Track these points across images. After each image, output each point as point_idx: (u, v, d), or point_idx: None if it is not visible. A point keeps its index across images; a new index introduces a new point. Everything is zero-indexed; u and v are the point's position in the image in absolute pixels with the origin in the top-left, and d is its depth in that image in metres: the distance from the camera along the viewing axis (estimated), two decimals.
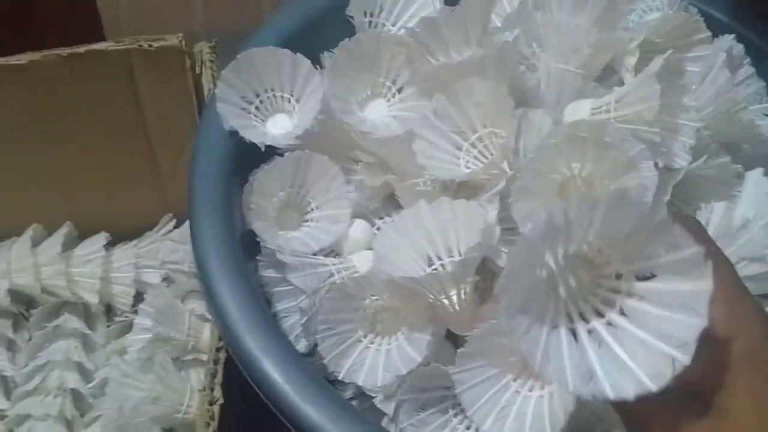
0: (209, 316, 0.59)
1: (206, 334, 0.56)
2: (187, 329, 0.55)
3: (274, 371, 0.34)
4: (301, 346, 0.39)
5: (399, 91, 0.44)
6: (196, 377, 0.55)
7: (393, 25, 0.48)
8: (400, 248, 0.37)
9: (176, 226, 0.61)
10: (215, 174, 0.40)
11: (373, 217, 0.43)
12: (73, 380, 0.55)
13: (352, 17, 0.46)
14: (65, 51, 0.48)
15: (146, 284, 0.59)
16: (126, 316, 0.59)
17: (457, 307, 0.36)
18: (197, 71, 0.49)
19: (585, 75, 0.41)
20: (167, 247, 0.60)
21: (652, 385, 0.25)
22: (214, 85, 0.48)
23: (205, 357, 0.56)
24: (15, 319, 0.59)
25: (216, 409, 0.34)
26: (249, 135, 0.41)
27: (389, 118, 0.44)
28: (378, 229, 0.43)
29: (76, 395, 0.55)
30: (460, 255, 0.37)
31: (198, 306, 0.59)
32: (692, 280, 0.25)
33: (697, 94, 0.41)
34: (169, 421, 0.51)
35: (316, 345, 0.38)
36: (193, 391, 0.53)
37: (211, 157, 0.41)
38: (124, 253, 0.59)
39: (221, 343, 0.36)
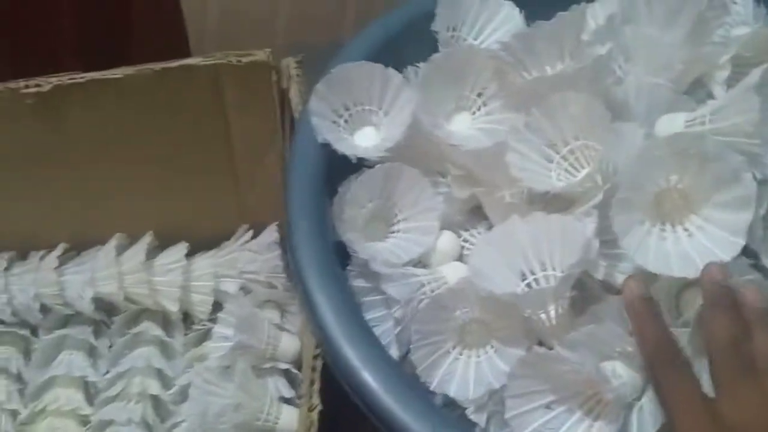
0: (286, 326, 0.60)
1: (284, 342, 0.57)
2: (266, 338, 0.56)
3: (373, 380, 0.34)
4: (393, 352, 0.39)
5: (484, 104, 0.45)
6: (274, 385, 0.56)
7: (475, 39, 0.49)
8: (495, 262, 0.37)
9: (253, 237, 0.62)
10: (309, 186, 0.41)
11: (459, 229, 0.44)
12: (154, 386, 0.56)
13: (436, 32, 0.47)
14: (158, 65, 0.50)
15: (224, 293, 0.60)
16: (204, 325, 0.60)
17: (553, 322, 0.36)
18: (284, 85, 0.51)
19: (676, 89, 0.41)
20: (245, 258, 0.61)
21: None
22: (301, 99, 0.50)
23: (283, 365, 0.57)
24: (96, 326, 0.60)
25: (315, 416, 0.35)
26: (341, 147, 0.42)
27: (475, 131, 0.44)
28: (464, 240, 0.43)
29: (156, 401, 0.56)
30: (554, 269, 0.37)
31: (274, 315, 0.60)
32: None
33: None
34: (250, 428, 0.52)
35: (406, 354, 0.39)
36: (272, 399, 0.54)
37: (305, 170, 0.42)
38: (204, 262, 0.60)
39: (318, 351, 0.37)
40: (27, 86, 0.49)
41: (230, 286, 0.60)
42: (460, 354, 0.39)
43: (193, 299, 0.60)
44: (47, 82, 0.49)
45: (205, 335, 0.60)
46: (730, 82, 0.42)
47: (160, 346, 0.59)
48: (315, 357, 0.37)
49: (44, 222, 0.59)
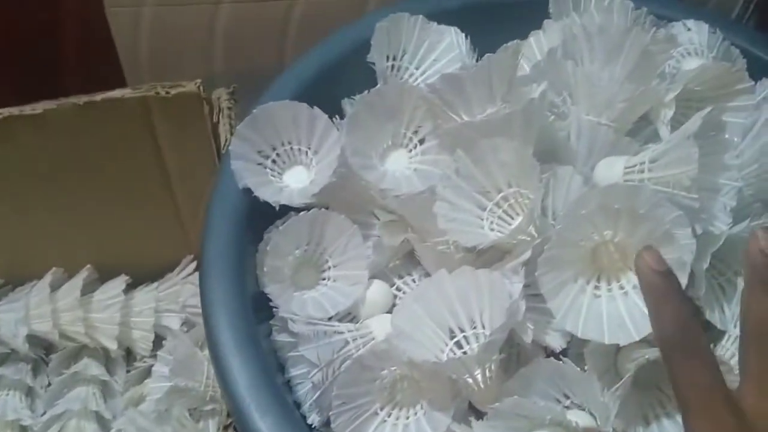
0: None
1: None
2: (206, 379, 0.54)
3: None
4: (314, 419, 0.37)
5: (420, 142, 0.42)
6: (215, 428, 0.54)
7: (416, 69, 0.46)
8: (420, 321, 0.35)
9: (197, 269, 0.60)
10: (228, 234, 0.39)
11: (393, 276, 0.41)
12: (90, 430, 0.54)
13: (372, 63, 0.45)
14: (81, 99, 0.48)
15: (166, 328, 0.58)
16: (145, 362, 0.58)
17: (481, 385, 0.34)
18: (215, 119, 0.48)
19: (618, 128, 0.39)
20: (187, 291, 0.59)
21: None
22: (231, 133, 0.47)
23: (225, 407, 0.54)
24: (35, 364, 0.58)
25: None
26: (263, 194, 0.39)
27: (410, 171, 0.42)
28: (397, 289, 0.41)
29: None
30: (483, 326, 0.35)
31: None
32: None
33: (738, 151, 0.38)
34: None
35: (328, 418, 0.36)
36: None
37: (224, 216, 0.39)
38: (145, 296, 0.58)
39: (230, 421, 0.35)
40: None
41: (172, 321, 0.58)
42: (388, 415, 0.37)
43: (134, 335, 0.57)
44: None
45: (147, 372, 0.58)
46: (678, 118, 0.40)
47: (100, 385, 0.57)
48: (226, 427, 0.34)
49: None
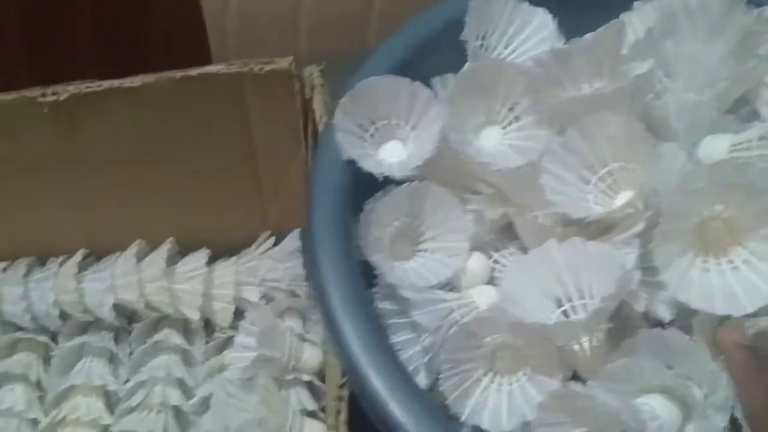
0: (308, 336, 0.59)
1: (306, 354, 0.56)
2: (289, 349, 0.55)
3: (400, 414, 0.33)
4: (420, 380, 0.38)
5: (516, 119, 0.43)
6: (297, 398, 0.55)
7: (505, 48, 0.47)
8: (528, 288, 0.36)
9: (275, 244, 0.61)
10: (334, 203, 0.40)
11: (489, 250, 0.42)
12: (174, 396, 0.55)
13: (465, 41, 0.45)
14: (177, 74, 0.49)
15: (245, 301, 0.59)
16: (224, 333, 0.59)
17: (588, 353, 0.35)
18: (307, 95, 0.49)
19: (719, 107, 0.39)
20: (266, 265, 0.60)
21: None
22: (325, 108, 0.48)
23: (305, 377, 0.56)
24: (117, 333, 0.60)
25: None
26: (367, 165, 0.41)
27: (506, 147, 0.42)
28: (494, 261, 0.42)
29: (177, 412, 0.55)
30: (591, 298, 0.35)
31: (296, 324, 0.59)
32: None
33: None
34: None
35: (435, 382, 0.37)
36: (295, 413, 0.53)
37: (329, 186, 0.40)
38: (225, 270, 0.59)
39: (345, 379, 0.36)
40: (44, 95, 0.48)
41: (251, 294, 0.59)
42: (491, 382, 0.38)
43: (214, 307, 0.59)
44: (64, 91, 0.48)
45: (226, 343, 0.59)
46: None
47: (181, 354, 0.58)
48: (341, 386, 0.36)
49: (63, 228, 0.58)
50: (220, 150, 0.55)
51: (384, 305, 0.40)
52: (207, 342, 0.60)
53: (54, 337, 0.59)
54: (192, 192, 0.58)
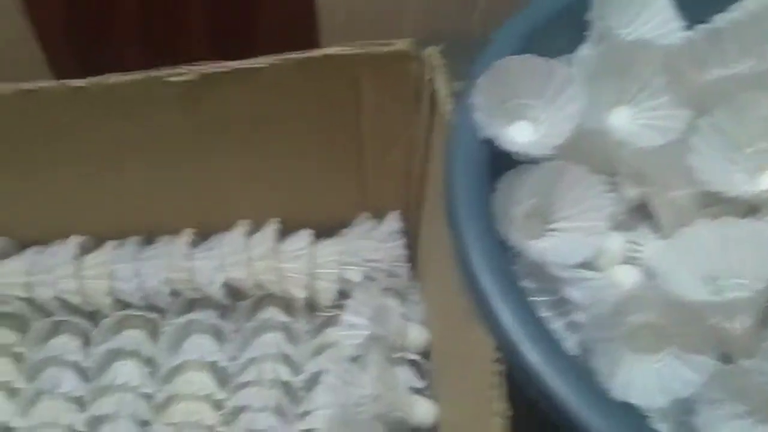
0: (412, 316, 0.60)
1: (412, 332, 0.57)
2: (396, 328, 0.56)
3: (567, 390, 0.34)
4: None
5: (648, 98, 0.43)
6: (403, 376, 0.56)
7: (624, 29, 0.47)
8: (679, 267, 0.36)
9: (375, 226, 0.62)
10: (474, 184, 0.40)
11: (622, 230, 0.42)
12: (285, 372, 0.57)
13: (590, 21, 0.45)
14: (300, 55, 0.49)
15: (348, 281, 0.60)
16: (326, 312, 0.60)
17: (742, 334, 0.35)
18: (427, 76, 0.49)
19: None
20: (368, 246, 0.61)
21: None
22: (448, 90, 0.49)
23: (411, 356, 0.57)
24: (222, 311, 0.61)
25: (505, 421, 0.35)
26: (506, 144, 0.41)
27: (639, 127, 0.43)
28: (629, 242, 0.42)
29: (287, 387, 0.57)
30: (744, 278, 0.35)
31: (397, 304, 0.60)
32: None
33: None
34: (386, 419, 0.52)
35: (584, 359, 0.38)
36: (405, 391, 0.54)
37: (468, 167, 0.41)
38: (328, 249, 0.60)
39: (498, 355, 0.36)
40: (171, 75, 0.49)
41: (354, 274, 0.60)
42: (635, 360, 0.38)
43: (318, 286, 0.60)
44: (191, 71, 0.49)
45: (327, 322, 0.60)
46: None
47: (286, 332, 0.59)
48: (496, 360, 0.36)
49: (171, 207, 0.59)
50: (326, 130, 0.56)
51: (523, 284, 0.40)
52: (308, 321, 0.61)
53: (161, 314, 0.60)
54: (295, 173, 0.59)
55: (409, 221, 0.62)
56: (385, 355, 0.54)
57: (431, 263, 0.60)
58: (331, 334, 0.59)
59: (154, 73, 0.49)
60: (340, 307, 0.59)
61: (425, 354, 0.58)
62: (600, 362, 0.36)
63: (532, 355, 0.35)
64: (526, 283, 0.40)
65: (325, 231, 0.62)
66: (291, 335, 0.59)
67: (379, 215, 0.63)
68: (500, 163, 0.42)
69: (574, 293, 0.37)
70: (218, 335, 0.60)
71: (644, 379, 0.36)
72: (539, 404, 0.35)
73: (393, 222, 0.62)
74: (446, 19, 0.58)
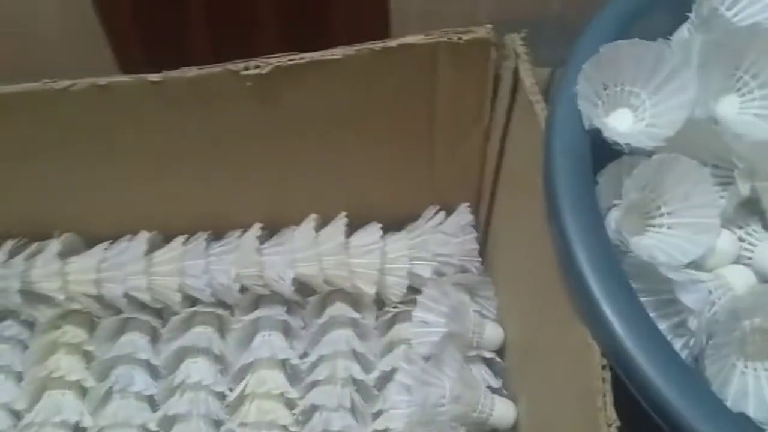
0: (485, 313, 0.58)
1: (488, 330, 0.55)
2: (472, 326, 0.55)
3: (677, 398, 0.32)
4: None
5: (760, 87, 0.41)
6: (480, 375, 0.55)
7: (728, 10, 0.44)
8: None
9: (445, 218, 0.60)
10: (575, 177, 0.38)
11: (732, 226, 0.40)
12: (356, 370, 0.55)
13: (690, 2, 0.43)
14: (377, 45, 0.48)
15: (417, 276, 0.58)
16: (396, 308, 0.59)
17: None
18: (510, 64, 0.47)
19: None
20: (437, 240, 0.59)
21: None
22: (533, 76, 0.46)
23: (487, 354, 0.55)
24: (289, 306, 0.60)
25: (614, 431, 0.33)
26: (610, 134, 0.39)
27: (750, 117, 0.40)
28: (740, 239, 0.40)
29: (359, 385, 0.55)
30: None
31: (468, 300, 0.58)
32: None
33: None
34: (466, 420, 0.50)
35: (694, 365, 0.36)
36: (486, 391, 0.52)
37: (572, 160, 0.39)
38: (398, 244, 0.59)
39: (605, 361, 0.34)
40: (247, 68, 0.47)
41: (424, 269, 0.58)
42: (745, 367, 0.36)
43: (388, 282, 0.58)
44: (267, 64, 0.47)
45: (395, 318, 0.59)
46: None
47: (356, 328, 0.58)
48: (603, 367, 0.34)
49: (240, 202, 0.58)
50: (400, 120, 0.54)
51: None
52: (377, 317, 0.59)
53: (229, 310, 0.59)
54: (365, 163, 0.57)
55: (481, 214, 0.60)
56: (462, 354, 0.53)
57: (505, 257, 0.58)
58: (401, 330, 0.57)
59: (230, 66, 0.47)
60: (407, 302, 0.58)
61: (499, 352, 0.56)
62: (712, 370, 0.34)
63: (648, 367, 0.33)
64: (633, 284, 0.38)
65: (392, 224, 0.61)
66: (360, 332, 0.58)
67: (448, 208, 0.61)
68: (601, 154, 0.40)
69: (685, 296, 0.34)
70: (287, 332, 0.58)
71: (756, 389, 0.34)
72: (649, 413, 0.33)
73: (464, 215, 0.60)
74: (521, 3, 0.56)
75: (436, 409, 0.49)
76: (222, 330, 0.58)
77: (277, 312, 0.58)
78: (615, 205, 0.39)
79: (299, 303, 0.59)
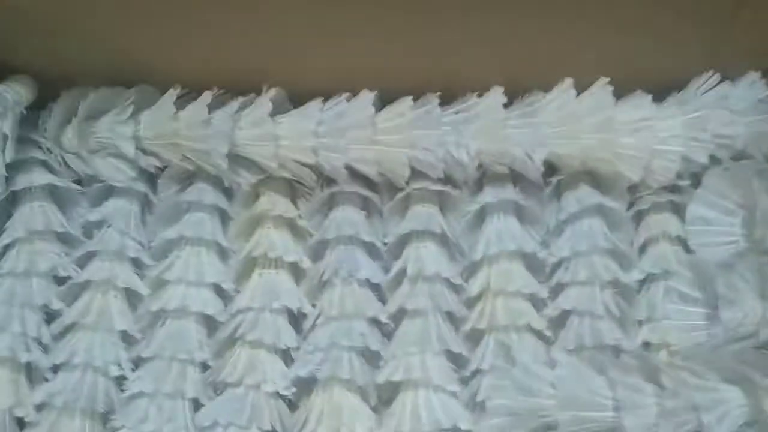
0: None
1: None
2: None
3: None
4: None
5: None
6: None
7: None
8: None
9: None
10: None
11: None
12: (616, 270, 0.47)
13: None
14: None
15: (690, 161, 0.48)
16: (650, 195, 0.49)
17: None
18: None
19: None
20: (719, 117, 0.48)
21: None
22: None
23: None
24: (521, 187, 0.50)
25: None
26: None
27: None
28: None
29: (619, 288, 0.47)
30: None
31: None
32: None
33: None
34: None
35: None
36: None
37: None
38: (672, 121, 0.48)
39: None
40: None
41: (698, 153, 0.48)
42: None
43: (653, 166, 0.48)
44: None
45: (648, 210, 0.49)
46: None
47: (606, 218, 0.49)
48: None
49: (474, 59, 0.47)
50: None
51: None
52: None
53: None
54: (628, 20, 0.45)
55: None
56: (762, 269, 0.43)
57: None
58: (661, 223, 0.48)
59: None
60: (670, 190, 0.48)
61: None
62: None
63: None
64: None
65: (658, 94, 0.49)
66: (612, 223, 0.49)
67: (730, 76, 0.49)
68: None
69: None
70: (526, 219, 0.49)
71: None
72: None
73: (754, 86, 0.48)
74: None
75: (733, 334, 0.41)
76: (448, 211, 0.50)
77: (512, 195, 0.49)
78: None
79: (538, 185, 0.50)
